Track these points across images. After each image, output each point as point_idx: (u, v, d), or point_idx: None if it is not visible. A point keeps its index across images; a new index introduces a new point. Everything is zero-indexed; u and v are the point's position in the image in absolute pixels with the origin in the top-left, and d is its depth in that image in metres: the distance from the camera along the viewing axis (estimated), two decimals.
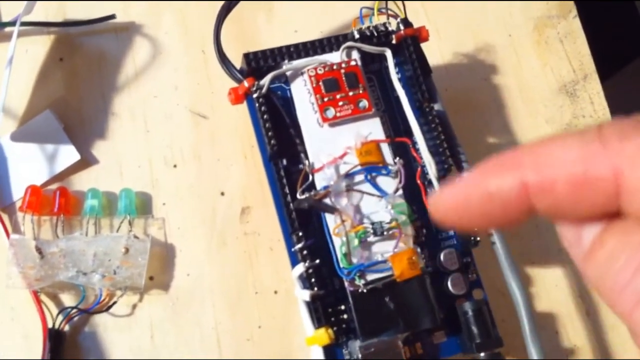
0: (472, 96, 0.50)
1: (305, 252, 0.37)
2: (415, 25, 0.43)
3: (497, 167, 0.18)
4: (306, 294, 0.36)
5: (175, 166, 0.44)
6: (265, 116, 0.39)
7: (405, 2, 0.43)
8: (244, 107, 0.45)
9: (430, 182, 0.40)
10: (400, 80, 0.42)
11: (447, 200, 0.19)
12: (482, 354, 0.37)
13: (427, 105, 0.41)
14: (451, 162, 0.40)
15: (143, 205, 0.43)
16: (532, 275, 0.45)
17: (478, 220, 0.19)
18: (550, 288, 0.45)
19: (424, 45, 0.43)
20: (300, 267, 0.37)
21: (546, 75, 0.51)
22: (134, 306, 0.41)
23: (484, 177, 0.18)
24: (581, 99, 0.51)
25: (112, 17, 0.48)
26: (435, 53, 0.50)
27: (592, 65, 0.52)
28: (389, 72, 0.42)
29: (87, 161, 0.44)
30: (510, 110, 0.50)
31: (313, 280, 0.36)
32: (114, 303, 0.40)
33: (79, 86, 0.46)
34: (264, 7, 0.50)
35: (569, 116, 0.50)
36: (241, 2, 0.42)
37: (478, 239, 0.39)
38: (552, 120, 0.50)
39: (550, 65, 0.52)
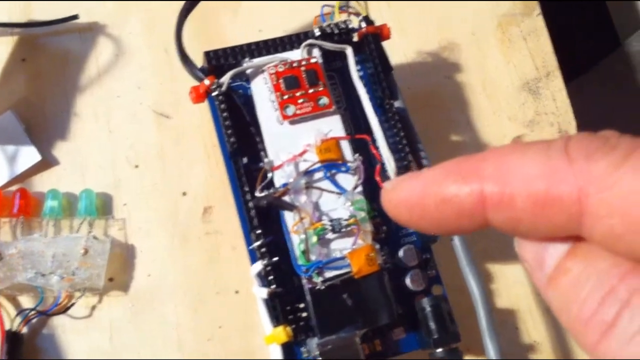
0: (436, 94, 0.50)
1: (263, 249, 0.37)
2: (380, 23, 0.43)
3: (456, 171, 0.17)
4: (264, 292, 0.36)
5: (137, 166, 0.44)
6: (225, 114, 0.39)
7: (370, 0, 0.43)
8: (207, 106, 0.45)
9: (389, 179, 0.40)
10: (362, 77, 0.42)
11: (401, 196, 0.19)
12: (439, 350, 0.38)
13: (388, 102, 0.41)
14: (410, 158, 0.40)
15: (104, 206, 0.43)
16: (493, 271, 0.46)
17: (429, 223, 0.18)
18: (511, 284, 0.46)
19: (388, 44, 0.43)
20: (259, 265, 0.37)
21: (509, 72, 0.52)
22: (93, 307, 0.41)
23: (442, 180, 0.18)
24: (544, 97, 0.52)
25: (75, 17, 0.48)
26: (399, 51, 0.51)
27: (555, 62, 0.53)
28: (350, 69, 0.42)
29: (48, 162, 0.44)
30: (474, 107, 0.50)
31: (271, 277, 0.37)
32: (72, 304, 0.40)
33: (41, 87, 0.46)
34: (229, 6, 0.51)
35: (532, 113, 0.51)
36: (207, 2, 0.42)
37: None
38: (514, 117, 0.50)
39: (513, 63, 0.52)
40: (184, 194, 0.44)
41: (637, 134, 0.16)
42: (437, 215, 0.18)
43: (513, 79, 0.52)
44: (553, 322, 0.45)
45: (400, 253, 0.39)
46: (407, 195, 0.18)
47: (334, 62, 0.43)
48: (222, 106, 0.39)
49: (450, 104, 0.50)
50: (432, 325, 0.38)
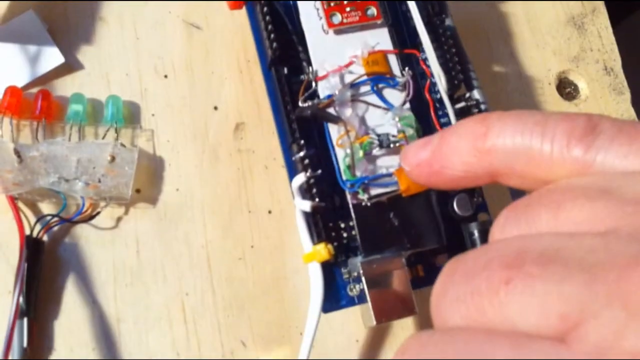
0: (478, 23, 0.48)
1: (306, 161, 0.34)
2: None
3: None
4: (307, 205, 0.34)
5: (166, 76, 0.42)
6: (267, 17, 0.36)
7: None
8: (241, 18, 0.43)
9: (439, 99, 0.38)
10: None
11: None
12: None
13: (438, 18, 0.39)
14: (461, 77, 0.38)
15: (131, 115, 0.40)
16: None
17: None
18: None
19: None
20: (301, 177, 0.34)
21: (554, 6, 0.49)
22: (119, 219, 0.38)
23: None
24: (589, 33, 0.49)
25: None
26: None
27: None
28: None
29: (71, 66, 0.41)
30: (517, 39, 0.48)
31: (314, 190, 0.34)
32: (97, 213, 0.37)
33: None
34: None
35: (577, 49, 0.48)
36: None
37: None
38: (559, 52, 0.48)
39: None
40: (215, 108, 0.41)
41: None
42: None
43: (558, 13, 0.49)
44: None
45: None
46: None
47: None
48: (265, 10, 0.37)
49: (492, 34, 0.48)
50: None
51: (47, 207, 0.37)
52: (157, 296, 0.37)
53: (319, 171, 0.34)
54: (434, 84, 0.38)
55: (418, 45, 0.39)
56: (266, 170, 0.41)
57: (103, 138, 0.38)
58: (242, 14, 0.40)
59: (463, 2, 0.48)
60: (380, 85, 0.36)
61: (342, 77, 0.36)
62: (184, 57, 0.42)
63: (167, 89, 0.41)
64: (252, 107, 0.42)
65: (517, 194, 0.29)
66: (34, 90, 0.39)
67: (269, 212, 0.40)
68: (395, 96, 0.36)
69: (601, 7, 0.50)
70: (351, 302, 0.36)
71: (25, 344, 0.34)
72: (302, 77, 0.36)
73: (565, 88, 0.48)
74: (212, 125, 0.41)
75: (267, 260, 0.39)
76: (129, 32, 0.42)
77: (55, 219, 0.36)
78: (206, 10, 0.43)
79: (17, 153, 0.36)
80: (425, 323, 0.40)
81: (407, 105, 0.36)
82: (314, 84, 0.36)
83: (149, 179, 0.39)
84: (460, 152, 0.19)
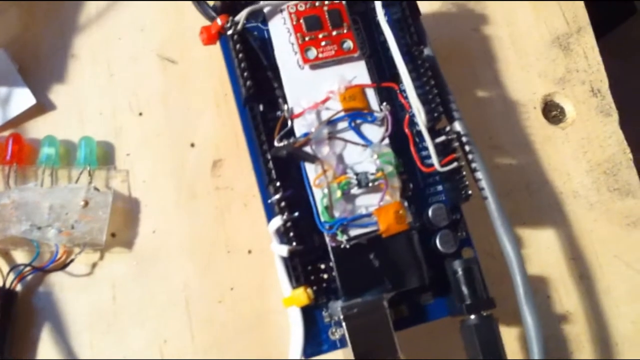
0: (461, 47, 0.47)
1: (283, 204, 0.33)
2: None
3: None
4: (284, 250, 0.33)
5: (140, 114, 0.41)
6: (240, 55, 0.35)
7: None
8: (216, 52, 0.42)
9: (419, 132, 0.37)
10: (387, 22, 0.39)
11: None
12: (472, 316, 0.35)
13: (416, 49, 0.38)
14: (441, 109, 0.37)
15: (105, 156, 0.39)
16: (524, 236, 0.43)
17: None
18: (542, 250, 0.43)
19: None
20: (278, 220, 0.33)
21: (539, 27, 0.48)
22: (94, 265, 0.37)
23: None
24: (575, 53, 0.48)
25: None
26: (424, 1, 0.47)
27: (587, 18, 0.50)
28: (375, 13, 0.38)
29: (43, 106, 0.40)
30: (502, 62, 0.47)
31: (291, 234, 0.33)
32: (71, 261, 0.37)
33: (36, 25, 0.42)
34: None
35: (563, 70, 0.48)
36: None
37: (470, 192, 0.35)
38: (544, 73, 0.47)
39: (543, 17, 0.49)
40: (192, 145, 0.41)
41: None
42: None
43: (543, 34, 0.48)
44: (587, 292, 0.42)
45: (430, 213, 0.36)
46: None
47: (356, 6, 0.39)
48: (238, 46, 0.36)
49: (476, 57, 0.47)
50: (465, 289, 0.35)
51: (20, 256, 0.37)
52: (135, 344, 0.37)
53: (296, 213, 0.33)
54: (413, 117, 0.37)
55: (397, 76, 0.38)
56: (245, 208, 0.40)
57: (76, 182, 0.38)
58: (217, 46, 0.39)
59: (447, 26, 0.47)
60: (358, 121, 0.36)
61: (318, 114, 0.35)
62: (159, 93, 0.41)
63: (142, 127, 0.40)
64: (230, 142, 0.41)
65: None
66: (5, 133, 0.38)
67: (249, 251, 0.39)
68: (373, 131, 0.36)
69: (587, 26, 0.49)
70: (333, 346, 0.35)
71: None
72: (278, 113, 0.36)
73: (551, 111, 0.47)
74: (188, 163, 0.40)
75: (247, 301, 0.38)
76: (102, 68, 0.41)
77: (28, 268, 0.36)
78: (181, 44, 0.43)
79: None
80: None
81: (386, 140, 0.35)
82: (289, 121, 0.35)
83: (125, 221, 0.38)
84: None
